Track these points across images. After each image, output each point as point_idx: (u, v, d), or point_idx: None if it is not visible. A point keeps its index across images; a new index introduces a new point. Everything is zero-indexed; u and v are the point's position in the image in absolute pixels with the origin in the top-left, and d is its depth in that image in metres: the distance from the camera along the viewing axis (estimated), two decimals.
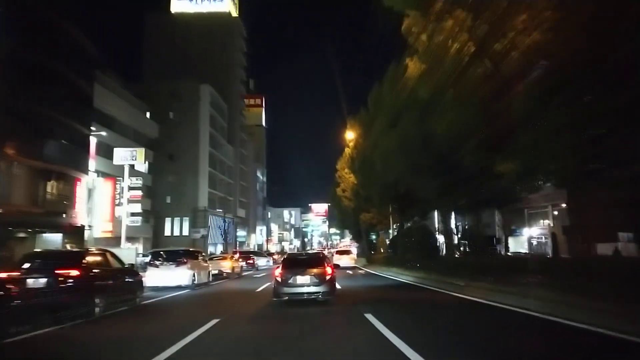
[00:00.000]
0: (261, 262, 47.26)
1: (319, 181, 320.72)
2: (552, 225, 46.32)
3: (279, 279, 12.20)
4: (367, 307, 10.86)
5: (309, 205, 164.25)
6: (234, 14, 77.85)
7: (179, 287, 17.95)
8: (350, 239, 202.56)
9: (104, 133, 34.68)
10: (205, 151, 59.12)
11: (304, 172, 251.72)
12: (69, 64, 26.89)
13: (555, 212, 44.55)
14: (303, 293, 12.09)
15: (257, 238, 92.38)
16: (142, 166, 51.19)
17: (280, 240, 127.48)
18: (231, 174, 72.27)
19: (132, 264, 15.53)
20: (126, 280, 12.36)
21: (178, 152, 57.51)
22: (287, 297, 12.10)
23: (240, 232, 78.25)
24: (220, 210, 63.70)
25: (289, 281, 12.08)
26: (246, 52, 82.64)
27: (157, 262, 18.13)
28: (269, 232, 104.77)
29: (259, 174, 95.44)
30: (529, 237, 48.66)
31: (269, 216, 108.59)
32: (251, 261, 38.12)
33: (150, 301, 14.06)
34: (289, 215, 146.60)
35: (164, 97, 57.86)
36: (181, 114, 58.25)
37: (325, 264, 12.78)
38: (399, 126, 16.16)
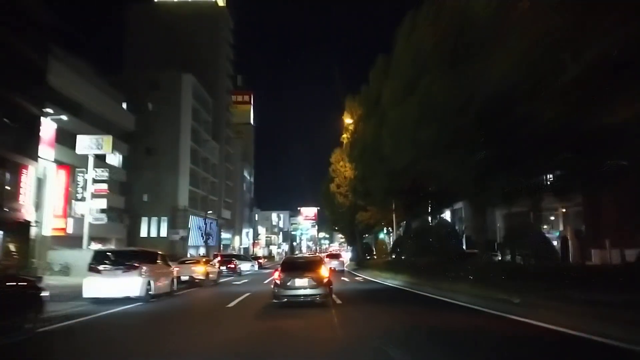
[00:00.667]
0: (245, 266, 42.90)
1: (308, 184, 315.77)
2: (561, 229, 42.67)
3: (278, 282, 12.72)
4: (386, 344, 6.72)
5: (298, 209, 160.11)
6: (221, 3, 73.54)
7: (129, 300, 13.66)
8: (339, 244, 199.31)
9: (64, 117, 30.15)
10: (186, 146, 54.64)
11: (294, 174, 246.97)
12: (15, 27, 22.46)
13: (566, 214, 40.95)
14: (301, 295, 12.54)
15: (243, 241, 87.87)
16: (115, 159, 46.70)
17: (268, 243, 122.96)
18: (216, 173, 67.80)
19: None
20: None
21: (157, 146, 53.00)
22: (286, 299, 12.52)
23: (225, 235, 73.71)
24: (210, 213, 59.15)
25: (288, 284, 12.55)
26: (233, 45, 78.45)
27: (100, 267, 13.76)
28: (255, 235, 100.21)
29: (246, 174, 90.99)
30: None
31: (257, 218, 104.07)
32: (232, 265, 33.74)
33: (58, 325, 9.68)
34: (278, 218, 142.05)
35: (142, 88, 53.38)
36: (161, 106, 53.77)
37: (323, 268, 13.38)
38: (421, 86, 12.02)
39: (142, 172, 51.81)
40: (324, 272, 13.06)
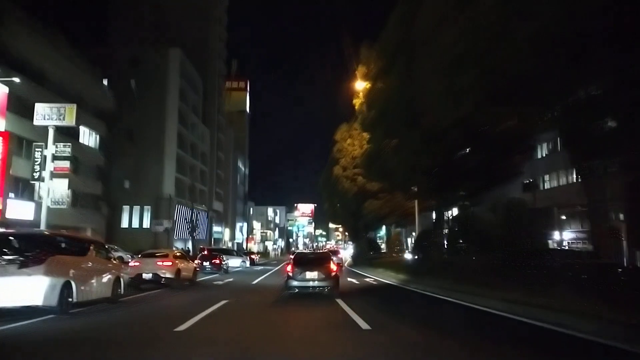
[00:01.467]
0: (233, 262, 37.92)
1: (305, 180, 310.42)
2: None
3: (290, 274, 14.08)
4: None
5: (295, 205, 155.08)
6: None
7: (34, 311, 8.71)
8: (336, 242, 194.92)
9: (16, 79, 25.13)
10: (172, 129, 49.52)
11: (291, 169, 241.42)
12: None
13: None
14: (310, 287, 13.95)
15: (236, 236, 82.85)
16: (91, 140, 41.60)
17: (264, 239, 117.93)
18: (206, 161, 62.71)
19: None
20: None
21: (140, 128, 47.87)
22: (297, 290, 14.06)
23: (217, 228, 68.67)
24: (199, 203, 54.04)
25: (299, 276, 13.94)
26: (228, 28, 73.34)
27: None
28: (250, 230, 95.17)
29: (240, 165, 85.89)
30: (559, 241, 40.29)
31: (251, 213, 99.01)
32: (217, 261, 28.72)
33: None
34: (274, 213, 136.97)
35: (125, 64, 48.30)
36: (145, 84, 48.58)
37: (331, 262, 14.72)
38: None
39: (124, 156, 46.74)
40: (332, 266, 14.35)
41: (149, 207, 48.12)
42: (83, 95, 38.64)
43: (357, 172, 27.71)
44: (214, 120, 66.56)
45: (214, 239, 67.95)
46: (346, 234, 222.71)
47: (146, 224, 48.07)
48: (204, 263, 28.48)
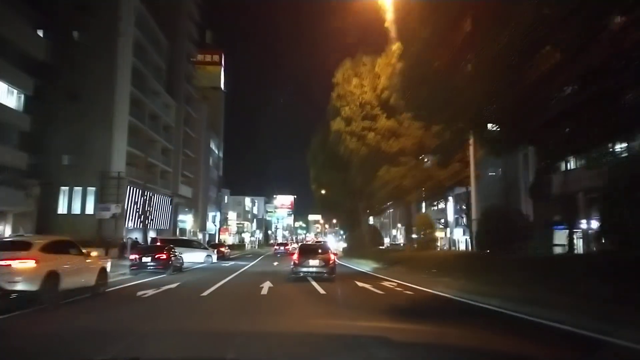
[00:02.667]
0: (194, 257, 29.37)
1: (286, 170, 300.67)
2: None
3: (296, 262, 17.22)
4: None
5: (274, 196, 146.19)
6: None
7: None
8: (316, 234, 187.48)
9: None
10: (124, 90, 40.22)
11: (271, 156, 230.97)
12: None
13: None
14: (313, 272, 16.92)
15: (208, 226, 73.75)
16: (12, 99, 32.23)
17: (240, 230, 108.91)
18: (171, 137, 53.47)
19: None
20: None
21: (84, 89, 38.58)
22: (302, 274, 16.96)
23: (184, 217, 59.55)
24: (166, 189, 44.86)
25: (304, 263, 17.10)
26: None
27: None
28: (223, 220, 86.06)
29: (213, 147, 76.60)
30: (586, 230, 32.68)
31: (226, 201, 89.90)
32: (162, 256, 19.94)
33: None
34: (252, 203, 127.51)
35: (67, 10, 38.85)
36: (92, 36, 39.30)
37: (330, 253, 18.36)
38: None
39: (62, 123, 37.54)
40: (331, 256, 17.90)
41: (94, 188, 38.88)
42: (3, 42, 29.38)
43: (369, 126, 19.30)
44: (181, 90, 57.26)
45: (180, 229, 58.90)
46: (326, 226, 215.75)
47: (90, 208, 38.84)
48: (143, 259, 19.70)
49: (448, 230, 51.03)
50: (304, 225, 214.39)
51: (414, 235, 24.22)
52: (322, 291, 13.19)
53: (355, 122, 19.87)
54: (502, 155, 18.30)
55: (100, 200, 38.09)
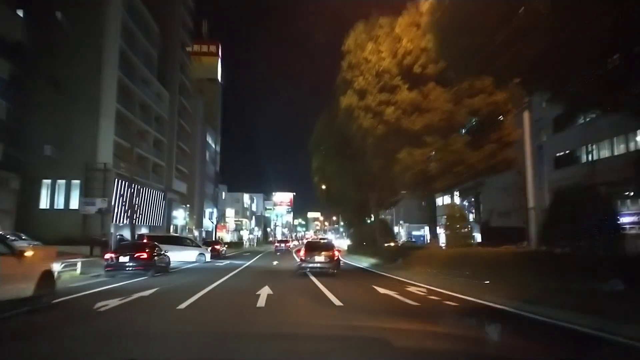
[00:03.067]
0: (185, 256, 26.61)
1: (285, 166, 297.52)
2: None
3: (303, 258, 18.63)
4: None
5: (273, 194, 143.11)
6: None
7: None
8: (315, 232, 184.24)
9: None
10: (111, 77, 37.22)
11: (270, 152, 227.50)
12: None
13: None
14: (318, 267, 18.11)
15: (205, 223, 70.87)
16: None
17: (239, 228, 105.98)
18: (164, 130, 50.46)
19: None
20: None
21: (68, 76, 35.57)
22: (308, 269, 18.20)
23: (178, 213, 56.57)
24: (160, 184, 41.91)
25: (309, 259, 18.33)
26: None
27: None
28: (221, 217, 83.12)
29: (210, 141, 73.64)
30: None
31: (223, 197, 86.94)
32: (143, 255, 17.01)
33: None
34: (250, 200, 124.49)
35: None
36: (77, 18, 36.29)
37: (334, 250, 19.56)
38: None
39: (44, 111, 34.60)
40: (335, 252, 19.26)
41: (78, 181, 35.93)
42: None
43: (388, 99, 16.19)
44: (175, 80, 54.29)
45: (175, 225, 55.97)
46: (326, 223, 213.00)
47: (75, 203, 35.88)
48: (120, 258, 16.81)
49: None
50: (303, 222, 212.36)
51: (441, 231, 20.93)
52: (336, 301, 10.32)
53: (371, 95, 16.73)
54: (585, 115, 14.83)
55: (85, 194, 35.16)
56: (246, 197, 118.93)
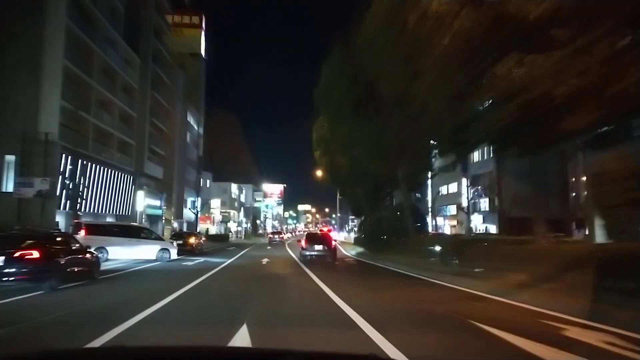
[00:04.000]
0: (141, 252, 19.14)
1: (274, 155, 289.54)
2: None
3: (304, 246, 21.07)
4: None
5: (262, 183, 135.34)
6: None
7: None
8: (305, 224, 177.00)
9: None
10: (57, 26, 29.42)
11: (259, 137, 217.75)
12: None
13: None
14: (317, 255, 20.62)
15: (186, 213, 63.19)
16: None
17: (226, 219, 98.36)
18: (134, 102, 42.73)
19: None
20: None
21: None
22: (309, 257, 20.56)
23: (153, 201, 48.88)
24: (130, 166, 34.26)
25: (310, 247, 20.87)
26: None
27: None
28: (206, 207, 75.47)
29: (191, 122, 65.81)
30: None
31: (208, 185, 79.20)
32: (30, 258, 9.55)
33: None
34: (239, 190, 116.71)
35: None
36: None
37: (331, 240, 22.12)
38: None
39: None
40: (332, 242, 21.85)
41: (13, 156, 28.24)
42: None
43: None
44: (149, 46, 46.44)
45: (149, 215, 48.32)
46: (317, 216, 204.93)
47: (10, 185, 28.23)
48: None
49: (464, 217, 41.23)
50: (294, 214, 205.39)
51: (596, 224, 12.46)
52: None
53: None
54: None
55: (21, 172, 27.45)
56: (234, 187, 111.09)
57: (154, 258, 19.81)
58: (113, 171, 38.52)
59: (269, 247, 36.42)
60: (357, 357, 2.23)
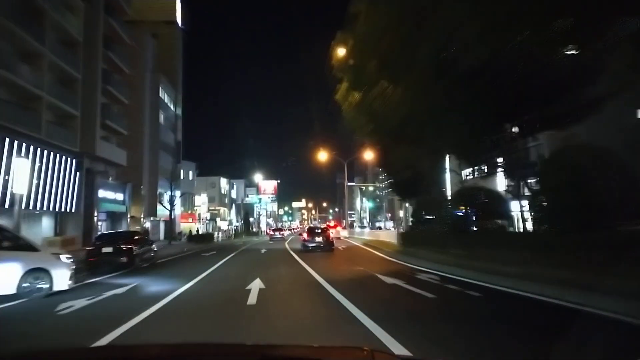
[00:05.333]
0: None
1: (267, 149, 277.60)
2: None
3: (306, 238, 25.28)
4: None
5: (257, 182, 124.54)
6: None
7: None
8: (300, 221, 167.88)
9: None
10: None
11: (250, 132, 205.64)
12: None
13: None
14: (317, 246, 24.25)
15: (162, 210, 52.27)
16: None
17: (215, 217, 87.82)
18: (76, 61, 31.83)
19: None
20: None
21: None
22: (310, 248, 24.14)
23: (112, 193, 37.91)
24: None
25: (310, 239, 24.80)
26: None
27: None
28: (188, 203, 64.62)
29: (165, 99, 54.71)
30: None
31: (190, 177, 68.18)
32: None
33: None
34: (229, 185, 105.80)
35: None
36: None
37: (329, 233, 26.73)
38: None
39: None
40: (330, 234, 26.66)
41: None
42: None
43: None
44: None
45: (109, 212, 37.51)
46: (313, 212, 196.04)
47: None
48: None
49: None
50: (289, 211, 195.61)
51: None
52: None
53: None
54: None
55: None
56: (223, 181, 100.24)
57: (13, 292, 9.08)
58: (43, 150, 27.71)
59: (263, 251, 25.77)
60: (350, 349, 2.42)
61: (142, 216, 44.62)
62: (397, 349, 4.83)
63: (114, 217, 39.03)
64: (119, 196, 38.78)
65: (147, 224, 47.02)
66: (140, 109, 45.10)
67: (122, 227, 39.13)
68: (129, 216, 40.33)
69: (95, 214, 33.35)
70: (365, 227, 73.06)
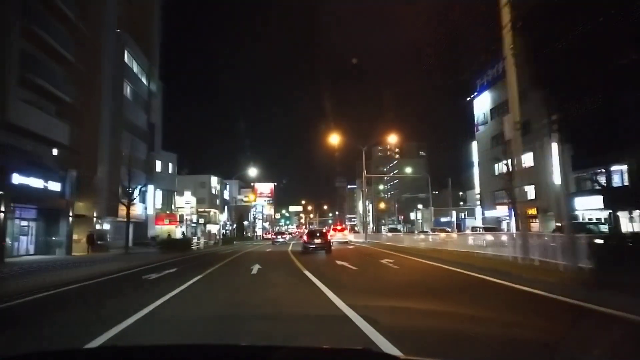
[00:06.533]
0: None
1: (263, 150, 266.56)
2: None
3: (306, 240, 26.96)
4: None
5: (252, 184, 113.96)
6: None
7: None
8: (297, 225, 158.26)
9: None
10: None
11: (243, 124, 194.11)
12: None
13: None
14: (316, 247, 25.85)
15: (138, 209, 40.90)
16: None
17: (206, 220, 76.76)
18: None
19: None
20: None
21: None
22: (309, 249, 25.70)
23: (37, 181, 26.60)
24: None
25: (310, 241, 26.51)
26: None
27: None
28: (167, 201, 53.34)
29: (134, 68, 43.46)
30: None
31: (170, 171, 56.78)
32: None
33: None
34: (221, 185, 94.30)
35: None
36: None
37: (327, 235, 28.85)
38: None
39: None
40: (328, 237, 28.16)
41: None
42: None
43: None
44: None
45: (42, 209, 26.22)
46: (311, 215, 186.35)
47: None
48: None
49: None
50: (287, 214, 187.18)
51: None
52: None
53: None
54: None
55: None
56: (214, 180, 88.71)
57: None
58: None
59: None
60: (350, 351, 2.42)
61: (94, 215, 33.32)
62: None
63: (47, 216, 27.82)
64: (54, 186, 27.53)
65: (105, 226, 35.75)
66: (96, 74, 33.93)
67: (62, 229, 28.03)
68: (70, 215, 28.97)
69: (2, 208, 22.00)
70: (399, 230, 63.33)
